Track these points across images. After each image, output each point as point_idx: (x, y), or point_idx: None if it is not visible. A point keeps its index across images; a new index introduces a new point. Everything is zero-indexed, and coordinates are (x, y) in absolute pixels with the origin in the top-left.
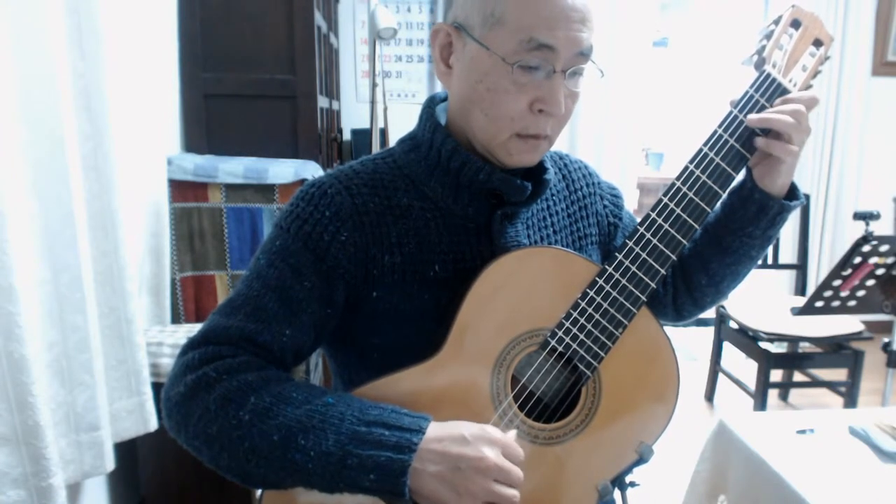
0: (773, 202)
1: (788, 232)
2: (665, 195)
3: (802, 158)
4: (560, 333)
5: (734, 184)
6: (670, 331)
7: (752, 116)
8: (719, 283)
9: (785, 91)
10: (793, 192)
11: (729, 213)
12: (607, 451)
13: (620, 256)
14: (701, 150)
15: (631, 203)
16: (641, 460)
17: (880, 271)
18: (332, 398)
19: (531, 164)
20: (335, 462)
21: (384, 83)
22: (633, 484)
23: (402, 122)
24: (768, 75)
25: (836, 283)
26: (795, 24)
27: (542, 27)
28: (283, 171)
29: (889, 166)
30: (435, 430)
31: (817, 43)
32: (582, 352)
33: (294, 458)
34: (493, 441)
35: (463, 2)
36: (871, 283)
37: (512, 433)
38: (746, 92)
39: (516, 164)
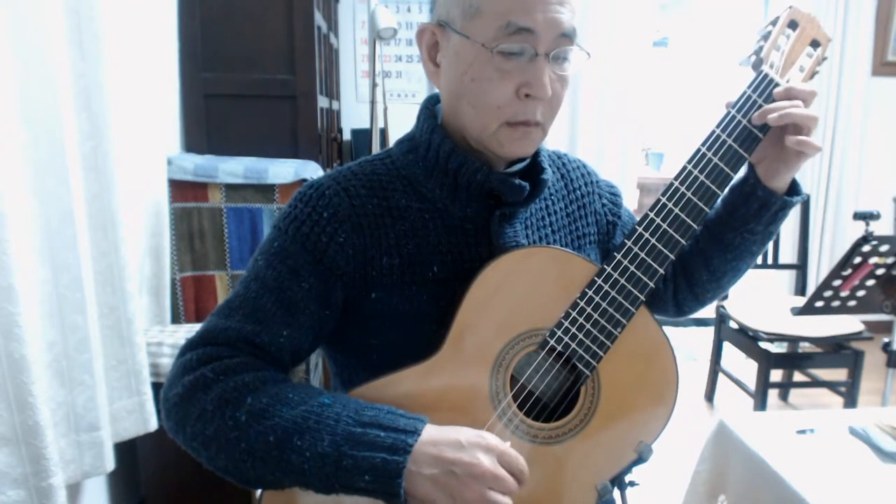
0: (775, 198)
1: (788, 232)
2: (664, 195)
3: None
4: (559, 333)
5: (735, 180)
6: (670, 330)
7: (772, 116)
8: (720, 278)
9: None
10: (794, 188)
11: (730, 210)
12: (606, 450)
13: (619, 256)
14: (699, 150)
15: (631, 203)
16: (641, 460)
17: (880, 271)
18: (329, 399)
19: (525, 154)
20: (331, 463)
21: (384, 83)
22: (632, 483)
23: (402, 122)
24: (766, 76)
25: (836, 283)
26: (793, 24)
27: (519, 10)
28: (283, 171)
29: (889, 166)
30: (431, 432)
31: (815, 44)
32: (581, 351)
33: (290, 458)
34: (489, 448)
35: (444, 0)
36: (871, 283)
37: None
38: (744, 93)
39: (509, 154)
